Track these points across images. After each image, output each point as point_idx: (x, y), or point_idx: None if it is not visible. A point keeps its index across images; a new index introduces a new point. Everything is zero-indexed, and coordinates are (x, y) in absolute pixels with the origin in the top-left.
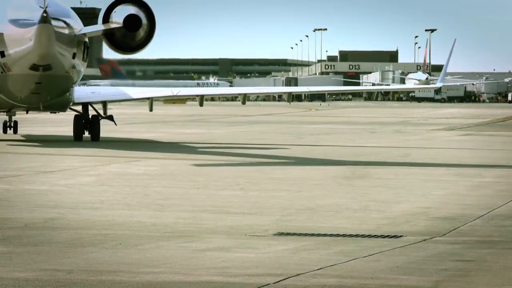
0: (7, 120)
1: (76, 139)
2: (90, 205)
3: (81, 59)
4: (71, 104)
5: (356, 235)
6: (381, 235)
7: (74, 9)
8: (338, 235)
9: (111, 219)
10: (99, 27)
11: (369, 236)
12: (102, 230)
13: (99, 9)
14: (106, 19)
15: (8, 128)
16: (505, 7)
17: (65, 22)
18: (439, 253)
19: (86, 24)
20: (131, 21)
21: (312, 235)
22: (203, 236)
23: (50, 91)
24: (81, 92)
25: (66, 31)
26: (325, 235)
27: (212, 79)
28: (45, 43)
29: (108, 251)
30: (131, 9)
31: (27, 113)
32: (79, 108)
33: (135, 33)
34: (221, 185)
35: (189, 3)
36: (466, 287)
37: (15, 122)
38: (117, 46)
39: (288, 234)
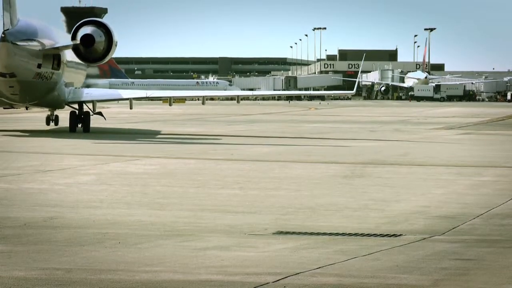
0: (50, 114)
1: (71, 131)
2: (90, 204)
3: (51, 68)
4: (64, 102)
5: (356, 234)
6: (381, 234)
7: (74, 8)
8: (337, 234)
9: (111, 218)
10: (70, 43)
11: (369, 235)
12: (102, 229)
13: (98, 8)
14: (74, 37)
15: (51, 121)
16: (505, 6)
17: (30, 40)
18: (439, 252)
19: None
20: (86, 39)
21: (312, 234)
22: (202, 235)
23: (26, 93)
24: (76, 93)
25: (30, 47)
26: (324, 234)
27: (211, 78)
28: (4, 57)
29: (107, 250)
30: (89, 29)
31: (26, 109)
32: (76, 105)
33: (92, 48)
34: (221, 184)
35: (189, 2)
36: (465, 286)
37: (56, 116)
38: (82, 57)
39: (287, 233)
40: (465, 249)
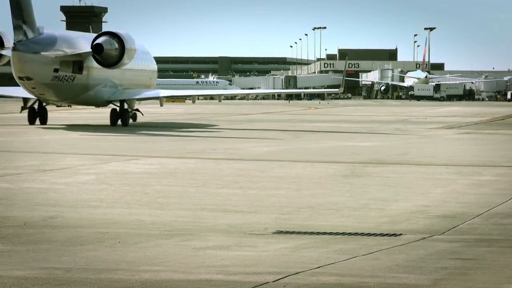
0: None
1: (112, 125)
2: (89, 204)
3: (71, 72)
4: (105, 101)
5: (356, 234)
6: (381, 234)
7: (74, 7)
8: (337, 234)
9: (110, 218)
10: (89, 50)
11: (369, 234)
12: (101, 229)
13: (98, 7)
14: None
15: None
16: (505, 6)
17: (46, 49)
18: (438, 251)
19: (85, 20)
20: (97, 48)
21: (312, 233)
22: (202, 235)
23: (52, 93)
24: (119, 93)
25: (45, 54)
26: (324, 233)
27: (211, 78)
28: (17, 63)
29: (107, 249)
30: (101, 39)
31: (69, 106)
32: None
33: (103, 55)
34: (220, 183)
35: (189, 2)
36: (465, 286)
37: (134, 114)
38: (99, 63)
39: (287, 232)
40: (465, 248)
